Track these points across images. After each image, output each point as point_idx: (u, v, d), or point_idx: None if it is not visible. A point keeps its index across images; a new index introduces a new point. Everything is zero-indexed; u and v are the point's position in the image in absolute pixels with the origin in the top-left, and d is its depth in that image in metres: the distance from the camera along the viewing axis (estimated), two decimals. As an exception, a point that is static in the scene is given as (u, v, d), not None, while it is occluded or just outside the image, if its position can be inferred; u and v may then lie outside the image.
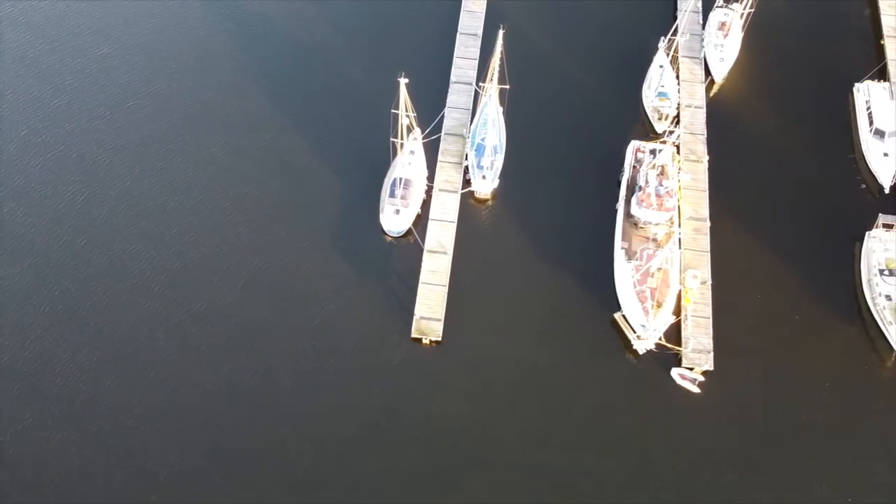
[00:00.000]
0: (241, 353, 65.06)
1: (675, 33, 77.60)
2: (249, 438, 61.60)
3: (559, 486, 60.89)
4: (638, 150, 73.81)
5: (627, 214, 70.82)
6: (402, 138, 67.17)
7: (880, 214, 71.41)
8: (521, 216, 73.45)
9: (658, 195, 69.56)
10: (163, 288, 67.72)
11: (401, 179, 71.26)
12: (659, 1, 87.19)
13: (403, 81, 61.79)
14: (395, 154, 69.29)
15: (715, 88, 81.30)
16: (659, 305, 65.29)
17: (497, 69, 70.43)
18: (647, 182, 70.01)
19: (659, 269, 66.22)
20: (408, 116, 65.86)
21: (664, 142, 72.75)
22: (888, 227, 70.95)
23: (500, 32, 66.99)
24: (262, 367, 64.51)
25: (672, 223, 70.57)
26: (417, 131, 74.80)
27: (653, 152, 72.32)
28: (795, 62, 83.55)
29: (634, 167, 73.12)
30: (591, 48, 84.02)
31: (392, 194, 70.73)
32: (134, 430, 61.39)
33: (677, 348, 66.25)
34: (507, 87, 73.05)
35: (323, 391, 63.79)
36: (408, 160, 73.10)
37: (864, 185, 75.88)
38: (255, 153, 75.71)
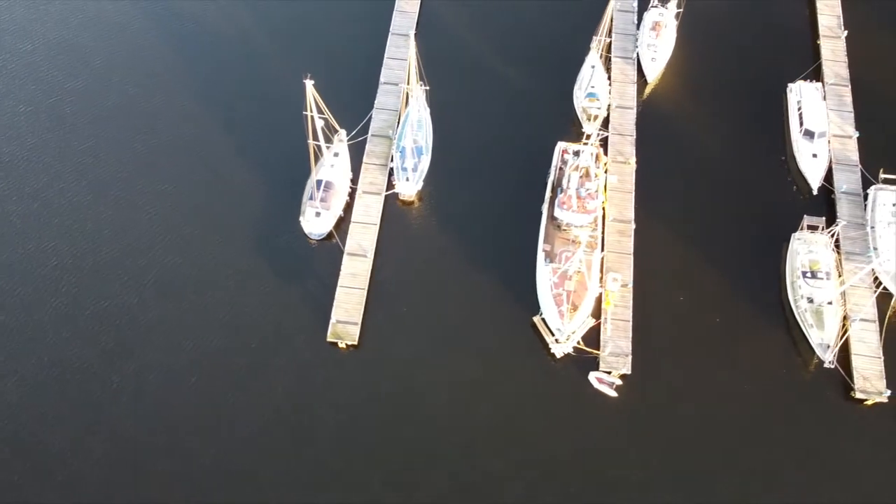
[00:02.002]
0: (147, 351, 64.56)
1: (609, 33, 77.05)
2: (150, 437, 61.07)
3: (466, 487, 60.34)
4: (564, 151, 73.13)
5: (551, 217, 70.19)
6: (312, 139, 66.32)
7: (805, 216, 70.87)
8: (446, 218, 72.76)
9: (579, 197, 68.94)
10: (72, 286, 67.15)
11: (321, 182, 70.57)
12: (596, 1, 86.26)
13: (309, 83, 61.04)
14: (315, 156, 68.52)
15: (647, 89, 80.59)
16: (574, 309, 64.64)
17: (414, 70, 69.64)
18: (568, 184, 69.37)
19: (577, 271, 65.59)
20: (321, 118, 65.04)
21: (594, 143, 72.21)
22: (813, 228, 70.40)
23: (411, 34, 66.29)
24: (167, 366, 64.01)
25: (595, 226, 69.95)
26: (343, 133, 74.24)
27: (576, 154, 71.66)
28: (731, 62, 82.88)
29: (560, 169, 72.46)
30: (525, 48, 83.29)
31: (312, 197, 70.03)
32: (35, 431, 60.84)
33: (595, 352, 65.61)
34: (426, 87, 72.28)
35: (229, 393, 63.20)
36: (331, 162, 72.45)
37: (794, 187, 75.21)
38: (176, 150, 75.09)
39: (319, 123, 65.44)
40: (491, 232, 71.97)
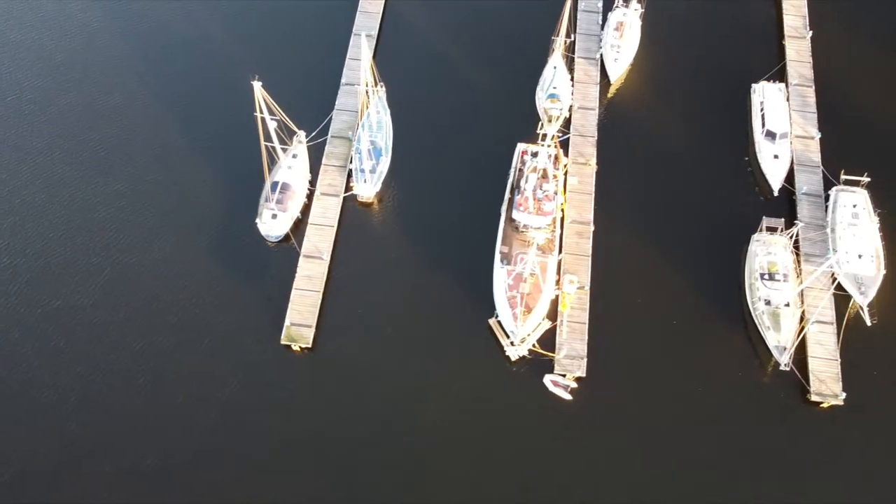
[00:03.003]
0: (98, 352, 64.33)
1: (569, 34, 76.69)
2: (95, 437, 60.86)
3: (418, 489, 60.06)
4: (524, 152, 72.75)
5: (509, 218, 69.83)
6: (266, 141, 65.94)
7: (764, 217, 70.49)
8: (405, 220, 72.38)
9: (536, 199, 68.57)
10: (23, 285, 66.93)
11: (278, 184, 70.20)
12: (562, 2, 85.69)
13: (257, 85, 60.65)
14: (270, 158, 68.06)
15: (610, 90, 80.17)
16: (528, 311, 64.27)
17: (368, 71, 69.28)
18: (526, 185, 68.99)
19: (532, 273, 65.22)
20: (274, 119, 64.66)
21: (549, 144, 71.85)
22: (772, 230, 70.02)
23: (364, 35, 65.82)
24: (117, 367, 63.73)
25: (553, 228, 69.60)
26: (302, 134, 73.87)
27: (534, 155, 71.27)
28: (697, 63, 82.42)
29: (520, 170, 72.09)
30: (490, 49, 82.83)
31: (268, 199, 69.65)
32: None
33: (550, 354, 65.24)
34: (384, 88, 71.90)
35: (177, 394, 62.99)
36: (289, 164, 72.06)
37: (756, 188, 74.79)
38: (133, 150, 74.82)
39: (272, 125, 65.05)
40: (450, 233, 71.59)
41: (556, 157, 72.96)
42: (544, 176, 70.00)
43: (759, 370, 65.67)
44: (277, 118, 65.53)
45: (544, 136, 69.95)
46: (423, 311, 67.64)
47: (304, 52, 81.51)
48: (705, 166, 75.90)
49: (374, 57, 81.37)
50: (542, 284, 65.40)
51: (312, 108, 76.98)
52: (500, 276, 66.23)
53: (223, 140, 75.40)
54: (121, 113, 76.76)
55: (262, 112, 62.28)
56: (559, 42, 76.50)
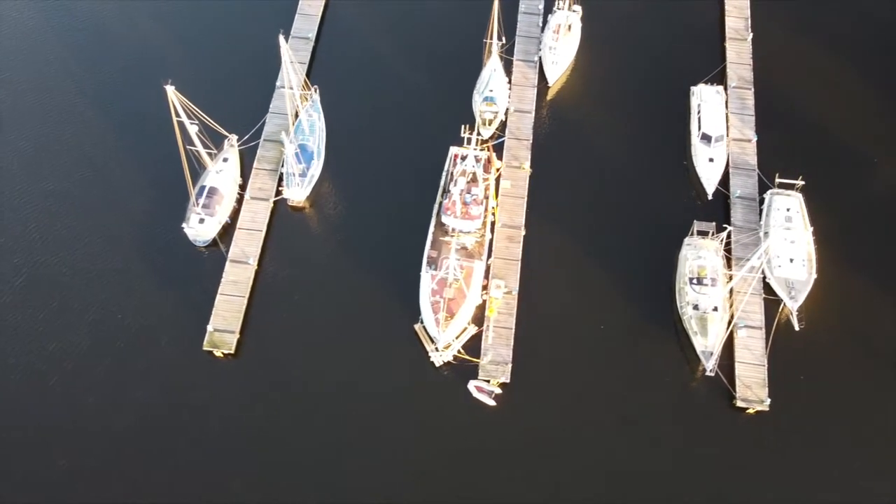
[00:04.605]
0: (9, 353, 63.77)
1: (503, 36, 76.16)
2: (7, 439, 60.36)
3: (339, 495, 59.54)
4: (456, 156, 72.21)
5: (439, 223, 69.30)
6: (188, 144, 65.36)
7: (695, 221, 69.91)
8: (336, 224, 71.83)
9: (464, 203, 68.04)
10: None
11: (205, 188, 69.66)
12: (506, 4, 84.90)
13: (170, 89, 60.08)
14: (190, 162, 67.26)
15: (548, 93, 79.56)
16: (451, 316, 63.71)
17: (294, 74, 68.74)
18: (455, 189, 68.43)
19: (456, 279, 64.67)
20: (193, 124, 64.07)
21: (481, 148, 71.40)
22: (703, 234, 69.49)
23: (280, 37, 65.14)
24: (30, 369, 63.21)
25: (483, 232, 69.05)
26: (233, 138, 73.30)
27: (464, 158, 70.68)
28: (638, 65, 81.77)
29: (451, 173, 71.55)
30: (431, 52, 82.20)
31: (196, 203, 69.05)
32: None
33: (475, 360, 64.68)
34: (316, 90, 71.36)
35: (88, 396, 62.49)
36: (219, 168, 71.47)
37: (693, 192, 74.23)
38: (60, 150, 74.36)
39: (193, 129, 64.48)
40: (382, 238, 71.02)
41: (489, 161, 72.45)
42: (473, 180, 69.44)
43: (686, 376, 65.11)
44: (197, 123, 64.79)
45: (477, 139, 69.41)
46: (350, 317, 67.03)
47: (241, 54, 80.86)
48: (642, 170, 75.32)
49: (312, 59, 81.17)
50: (466, 290, 64.81)
51: (247, 111, 76.44)
52: (426, 281, 65.67)
53: (156, 142, 74.50)
54: (44, 112, 76.18)
55: (177, 116, 61.68)
56: (495, 44, 75.93)
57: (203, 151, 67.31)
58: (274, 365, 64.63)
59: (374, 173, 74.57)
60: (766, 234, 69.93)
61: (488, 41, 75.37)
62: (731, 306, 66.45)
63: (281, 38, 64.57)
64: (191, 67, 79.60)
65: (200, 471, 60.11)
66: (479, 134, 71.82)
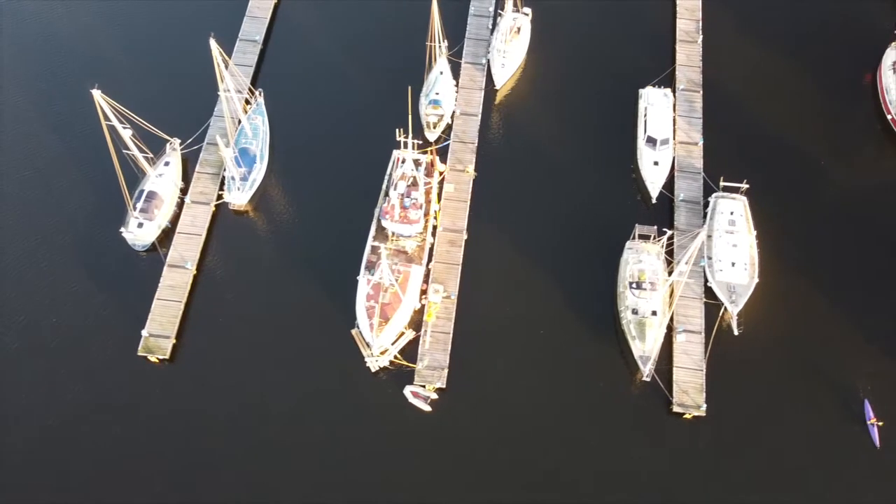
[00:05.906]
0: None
1: (444, 37, 75.80)
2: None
3: (269, 499, 59.26)
4: (398, 159, 71.75)
5: (379, 227, 68.87)
6: (114, 149, 64.78)
7: (637, 225, 69.40)
8: (278, 228, 71.37)
9: (403, 207, 67.61)
10: None
11: (143, 192, 69.21)
12: (453, 3, 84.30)
13: (97, 93, 59.63)
14: (121, 166, 66.52)
15: (496, 96, 79.04)
16: (385, 321, 63.26)
17: (228, 76, 68.31)
18: (395, 193, 67.99)
19: (391, 283, 64.21)
20: (126, 128, 63.64)
21: (423, 151, 71.01)
22: (644, 237, 69.06)
23: (211, 39, 64.52)
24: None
25: (423, 236, 68.61)
26: (176, 142, 72.87)
27: (403, 161, 70.22)
28: (588, 68, 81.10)
29: (392, 177, 71.10)
30: (379, 55, 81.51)
31: (135, 207, 68.57)
32: None
33: (412, 365, 64.26)
34: (260, 93, 70.93)
35: (12, 398, 62.18)
36: (160, 172, 70.99)
37: (638, 196, 73.77)
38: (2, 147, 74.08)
39: (127, 133, 64.04)
40: (323, 242, 70.56)
41: (432, 164, 72.03)
42: (414, 184, 69.01)
43: (625, 381, 64.72)
44: (130, 127, 64.34)
45: (414, 143, 69.00)
46: (288, 322, 66.61)
47: (189, 58, 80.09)
48: (588, 174, 74.83)
49: (260, 62, 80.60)
50: (402, 294, 64.35)
51: (193, 115, 75.92)
52: (362, 286, 65.26)
53: (98, 146, 73.88)
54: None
55: (107, 120, 61.22)
56: (438, 47, 75.52)
57: (139, 155, 66.77)
58: (208, 371, 64.25)
59: (318, 177, 74.11)
60: (709, 236, 69.53)
61: (430, 44, 74.77)
62: (670, 310, 66.07)
63: (212, 41, 63.97)
64: (137, 71, 79.13)
65: (120, 471, 60.02)
66: (422, 138, 71.26)
